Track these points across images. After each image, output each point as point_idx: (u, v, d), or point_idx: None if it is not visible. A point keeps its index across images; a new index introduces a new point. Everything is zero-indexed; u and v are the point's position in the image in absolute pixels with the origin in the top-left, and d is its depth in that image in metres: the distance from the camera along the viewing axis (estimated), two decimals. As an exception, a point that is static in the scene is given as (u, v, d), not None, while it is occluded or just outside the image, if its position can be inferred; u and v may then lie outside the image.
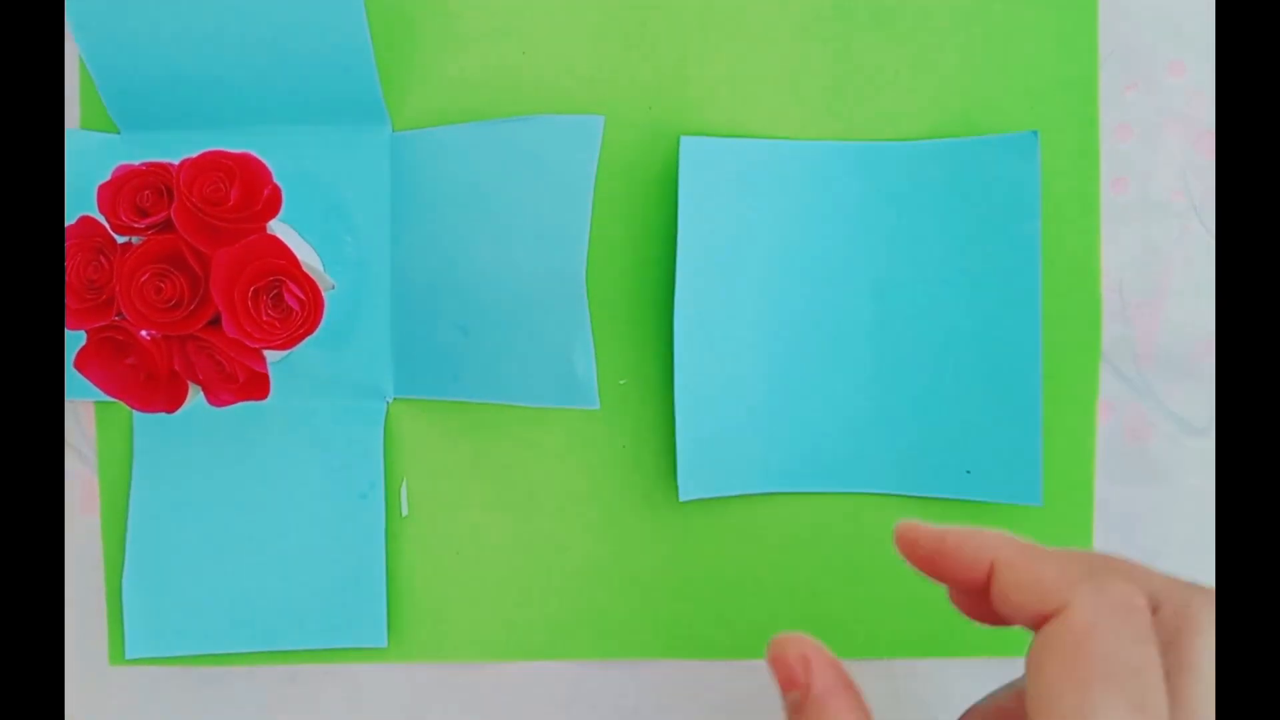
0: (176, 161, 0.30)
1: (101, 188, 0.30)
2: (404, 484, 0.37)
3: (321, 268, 0.35)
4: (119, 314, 0.30)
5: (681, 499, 0.36)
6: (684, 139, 0.35)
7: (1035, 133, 0.35)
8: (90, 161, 0.35)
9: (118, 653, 0.37)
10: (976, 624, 0.27)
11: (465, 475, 0.37)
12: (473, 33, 0.36)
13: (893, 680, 0.38)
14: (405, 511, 0.37)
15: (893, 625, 0.37)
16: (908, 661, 0.38)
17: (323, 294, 0.31)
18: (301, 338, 0.30)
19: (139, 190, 0.30)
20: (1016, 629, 0.25)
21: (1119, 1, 0.36)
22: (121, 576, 0.37)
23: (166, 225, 0.30)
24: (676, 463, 0.35)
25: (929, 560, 0.27)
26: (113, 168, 0.30)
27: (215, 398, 0.31)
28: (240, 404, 0.31)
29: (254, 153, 0.30)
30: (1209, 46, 0.36)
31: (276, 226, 0.32)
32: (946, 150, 0.35)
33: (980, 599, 0.26)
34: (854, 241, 0.36)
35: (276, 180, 0.31)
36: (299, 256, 0.30)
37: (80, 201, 0.32)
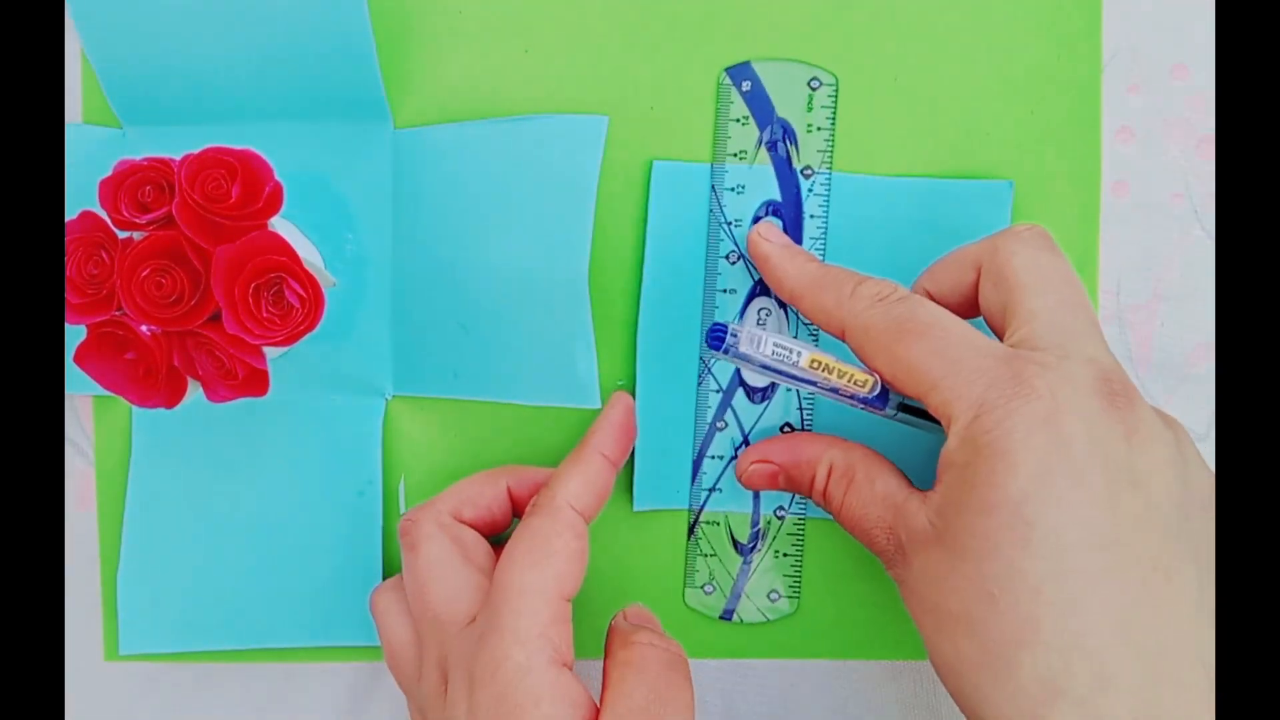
0: (178, 157, 0.30)
1: (103, 183, 0.30)
2: (402, 481, 0.37)
3: (322, 264, 0.35)
4: (119, 309, 0.30)
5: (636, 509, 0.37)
6: (656, 164, 0.35)
7: (1010, 183, 0.36)
8: (93, 155, 0.35)
9: (113, 649, 0.37)
10: None
11: (463, 473, 0.37)
12: (475, 30, 0.35)
13: (898, 683, 0.38)
14: (404, 509, 0.37)
15: (895, 627, 0.37)
16: (911, 664, 0.38)
17: (323, 291, 0.31)
18: (302, 334, 0.30)
19: (140, 186, 0.30)
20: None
21: (1122, 4, 0.36)
22: (117, 572, 0.37)
23: (168, 221, 0.30)
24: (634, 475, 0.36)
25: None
26: (115, 162, 0.30)
27: (214, 394, 0.31)
28: (239, 400, 0.31)
29: (255, 149, 0.30)
30: (1212, 50, 0.36)
31: (277, 223, 0.32)
32: (920, 189, 0.36)
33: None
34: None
35: (278, 177, 0.31)
36: (300, 253, 0.30)
37: (83, 195, 0.32)
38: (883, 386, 0.31)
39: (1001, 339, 0.30)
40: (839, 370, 0.31)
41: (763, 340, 0.31)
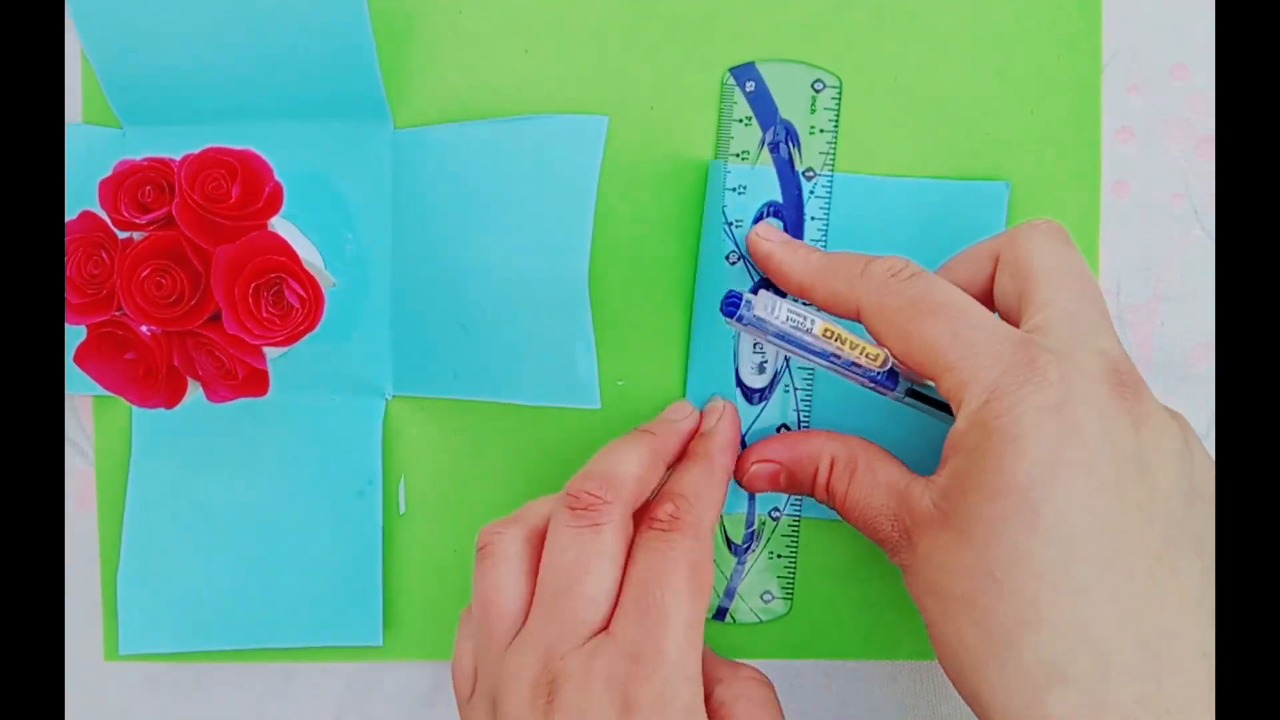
0: (178, 157, 0.30)
1: (103, 183, 0.30)
2: (402, 481, 0.37)
3: (322, 264, 0.35)
4: (119, 309, 0.30)
5: None
6: (712, 164, 0.35)
7: (1006, 183, 0.36)
8: (93, 155, 0.35)
9: (113, 649, 0.37)
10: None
11: (463, 473, 0.37)
12: (475, 30, 0.35)
13: (898, 683, 0.38)
14: (403, 509, 0.37)
15: (892, 627, 0.37)
16: (910, 664, 0.38)
17: (323, 291, 0.31)
18: (302, 335, 0.30)
19: (140, 186, 0.30)
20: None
21: (1122, 4, 0.36)
22: (117, 572, 0.36)
23: (168, 221, 0.30)
24: None
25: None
26: (115, 162, 0.30)
27: (214, 394, 0.31)
28: (239, 400, 0.31)
29: (255, 149, 0.30)
30: (1212, 50, 0.36)
31: (277, 223, 0.32)
32: (916, 190, 0.36)
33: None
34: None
35: (278, 177, 0.31)
36: (300, 253, 0.30)
37: (83, 196, 0.32)
38: (892, 366, 0.31)
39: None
40: (851, 341, 0.31)
41: (777, 305, 0.31)
